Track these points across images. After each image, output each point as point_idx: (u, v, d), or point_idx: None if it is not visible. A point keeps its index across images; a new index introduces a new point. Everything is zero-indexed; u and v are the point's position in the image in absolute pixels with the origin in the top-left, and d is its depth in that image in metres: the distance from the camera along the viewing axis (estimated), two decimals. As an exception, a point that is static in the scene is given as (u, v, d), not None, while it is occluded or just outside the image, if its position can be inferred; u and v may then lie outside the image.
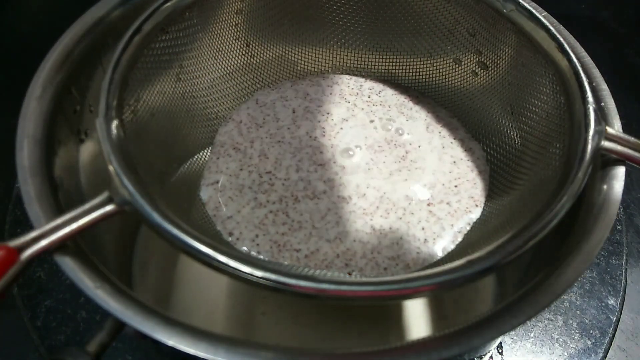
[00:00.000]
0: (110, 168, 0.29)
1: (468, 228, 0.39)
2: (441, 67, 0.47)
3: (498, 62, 0.42)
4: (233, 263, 0.27)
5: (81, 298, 0.45)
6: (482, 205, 0.40)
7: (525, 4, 0.39)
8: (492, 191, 0.41)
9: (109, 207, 0.29)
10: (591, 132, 0.33)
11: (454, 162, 0.43)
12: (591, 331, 0.46)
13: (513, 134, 0.41)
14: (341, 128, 0.44)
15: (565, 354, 0.45)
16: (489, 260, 0.29)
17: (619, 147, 0.34)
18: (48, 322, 0.44)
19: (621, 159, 0.34)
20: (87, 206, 0.29)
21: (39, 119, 0.34)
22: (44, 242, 0.28)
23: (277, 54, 0.47)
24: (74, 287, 0.33)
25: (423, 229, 0.39)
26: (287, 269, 0.31)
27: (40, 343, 0.43)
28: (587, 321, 0.47)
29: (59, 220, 0.28)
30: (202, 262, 0.28)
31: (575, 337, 0.46)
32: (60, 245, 0.29)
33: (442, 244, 0.38)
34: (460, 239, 0.39)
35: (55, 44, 0.37)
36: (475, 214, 0.40)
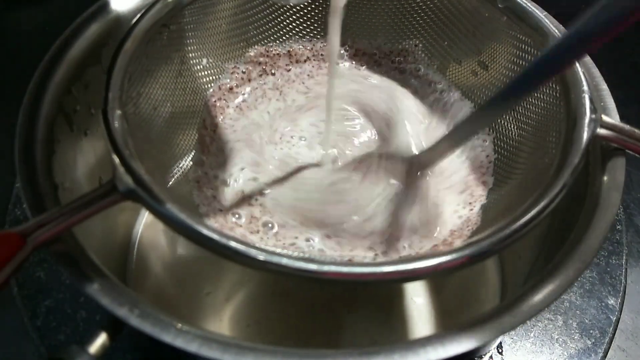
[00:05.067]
0: (114, 157, 0.30)
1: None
2: (443, 67, 0.47)
3: (497, 59, 0.42)
4: (235, 245, 0.27)
5: (81, 298, 0.45)
6: (487, 193, 0.41)
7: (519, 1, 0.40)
8: (496, 178, 0.41)
9: (113, 195, 0.29)
10: (586, 120, 0.33)
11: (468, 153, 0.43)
12: (591, 331, 0.46)
13: (511, 126, 0.42)
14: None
15: (565, 353, 0.45)
16: (485, 243, 0.29)
17: (615, 135, 0.34)
18: (48, 322, 0.44)
19: (620, 148, 0.34)
20: (91, 194, 0.29)
21: (39, 119, 0.34)
22: (49, 229, 0.28)
23: (276, 52, 0.47)
24: (73, 287, 0.33)
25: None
26: (289, 253, 0.31)
27: (40, 343, 0.43)
28: (587, 321, 0.46)
29: (64, 208, 0.28)
30: (206, 246, 0.28)
31: (575, 337, 0.46)
32: (65, 233, 0.29)
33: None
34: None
35: (55, 43, 0.37)
36: (481, 201, 0.40)
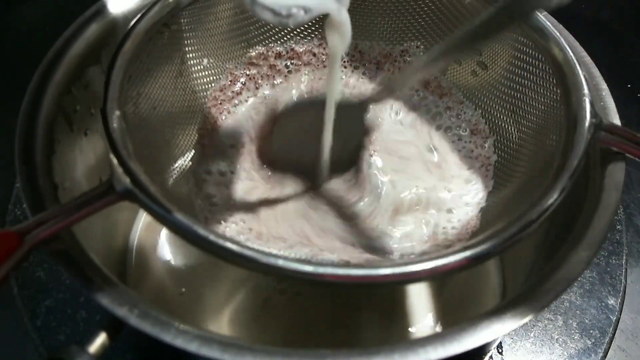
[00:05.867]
0: (112, 157, 0.30)
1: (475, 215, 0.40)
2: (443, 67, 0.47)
3: (497, 60, 0.42)
4: (231, 246, 0.27)
5: (81, 298, 0.45)
6: (486, 196, 0.41)
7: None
8: (495, 181, 0.41)
9: (111, 195, 0.29)
10: (587, 123, 0.33)
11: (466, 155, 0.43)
12: (591, 331, 0.46)
13: (511, 129, 0.42)
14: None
15: (565, 354, 0.45)
16: (483, 245, 0.29)
17: (615, 138, 0.34)
18: (48, 322, 0.44)
19: (620, 152, 0.34)
20: (89, 194, 0.29)
21: (39, 119, 0.34)
22: (47, 228, 0.28)
23: (277, 52, 0.47)
24: (73, 287, 0.32)
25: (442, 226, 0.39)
26: (285, 255, 0.31)
27: (40, 343, 0.43)
28: (587, 321, 0.47)
29: (61, 207, 0.28)
30: (202, 247, 0.28)
31: (575, 337, 0.46)
32: (63, 233, 0.29)
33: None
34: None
35: (55, 43, 0.37)
36: (481, 204, 0.40)
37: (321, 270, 0.27)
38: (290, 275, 0.27)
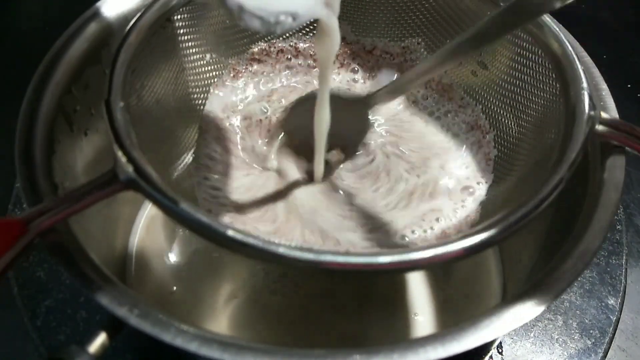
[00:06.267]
0: (115, 146, 0.30)
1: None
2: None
3: (497, 56, 0.43)
4: (233, 233, 0.27)
5: (81, 298, 0.45)
6: (486, 190, 0.41)
7: None
8: (495, 175, 0.41)
9: (114, 185, 0.29)
10: (585, 116, 0.33)
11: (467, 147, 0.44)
12: (591, 331, 0.46)
13: (511, 123, 0.42)
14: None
15: (565, 353, 0.45)
16: (481, 235, 0.29)
17: (614, 132, 0.34)
18: (48, 322, 0.44)
19: (619, 145, 0.34)
20: (92, 183, 0.29)
21: (39, 119, 0.34)
22: (51, 216, 0.28)
23: (280, 48, 0.47)
24: (73, 287, 0.32)
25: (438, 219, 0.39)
26: (286, 243, 0.31)
27: (40, 343, 0.43)
28: (587, 321, 0.47)
29: (65, 196, 0.29)
30: (205, 235, 0.28)
31: (575, 337, 0.46)
32: (64, 223, 0.29)
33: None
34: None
35: (55, 43, 0.37)
36: (480, 197, 0.41)
37: (322, 257, 0.27)
38: (292, 263, 0.27)
